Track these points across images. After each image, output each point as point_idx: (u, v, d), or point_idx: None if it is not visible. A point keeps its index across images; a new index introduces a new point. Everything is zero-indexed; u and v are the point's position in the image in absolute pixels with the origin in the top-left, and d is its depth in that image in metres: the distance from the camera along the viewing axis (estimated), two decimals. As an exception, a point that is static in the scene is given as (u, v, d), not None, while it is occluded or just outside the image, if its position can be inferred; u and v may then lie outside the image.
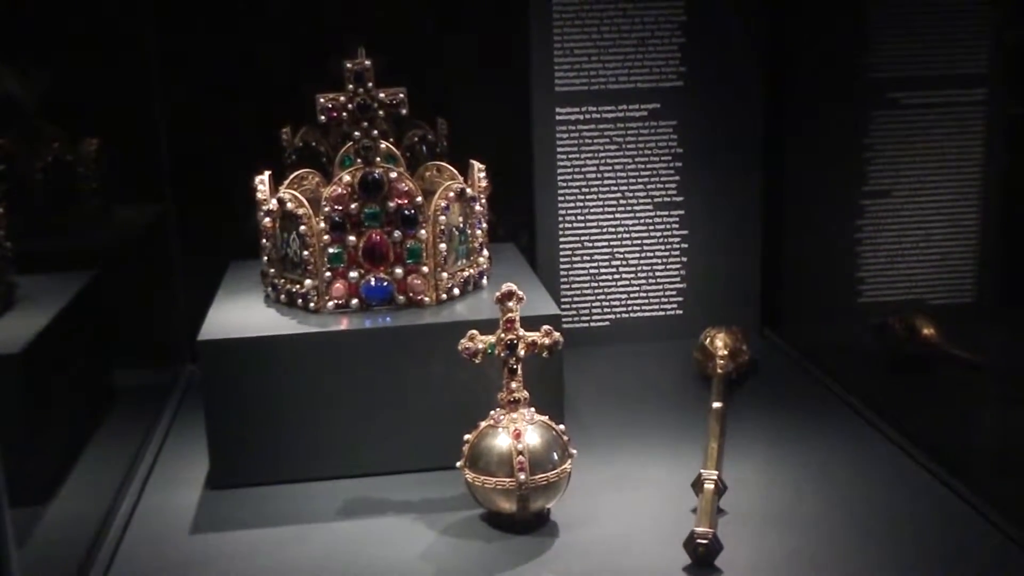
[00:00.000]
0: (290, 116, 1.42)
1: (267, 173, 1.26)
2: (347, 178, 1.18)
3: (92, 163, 1.46)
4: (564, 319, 1.52)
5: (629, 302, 1.59)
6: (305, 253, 1.19)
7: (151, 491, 1.18)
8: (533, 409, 1.06)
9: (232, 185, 1.37)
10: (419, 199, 1.19)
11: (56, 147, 1.44)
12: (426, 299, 1.20)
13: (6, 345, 1.14)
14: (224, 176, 1.45)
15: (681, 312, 1.60)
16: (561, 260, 1.57)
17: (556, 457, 1.04)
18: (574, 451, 1.06)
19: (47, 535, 1.10)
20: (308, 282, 1.20)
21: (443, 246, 1.20)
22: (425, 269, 1.20)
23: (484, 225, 1.28)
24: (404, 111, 1.19)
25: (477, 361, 1.05)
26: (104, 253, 1.45)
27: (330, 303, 1.20)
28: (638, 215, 1.57)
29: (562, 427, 1.07)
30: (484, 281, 1.28)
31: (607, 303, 1.59)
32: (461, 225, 1.24)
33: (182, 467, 1.22)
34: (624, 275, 1.58)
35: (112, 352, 1.46)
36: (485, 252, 1.29)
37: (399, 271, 1.19)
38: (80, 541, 1.07)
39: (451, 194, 1.21)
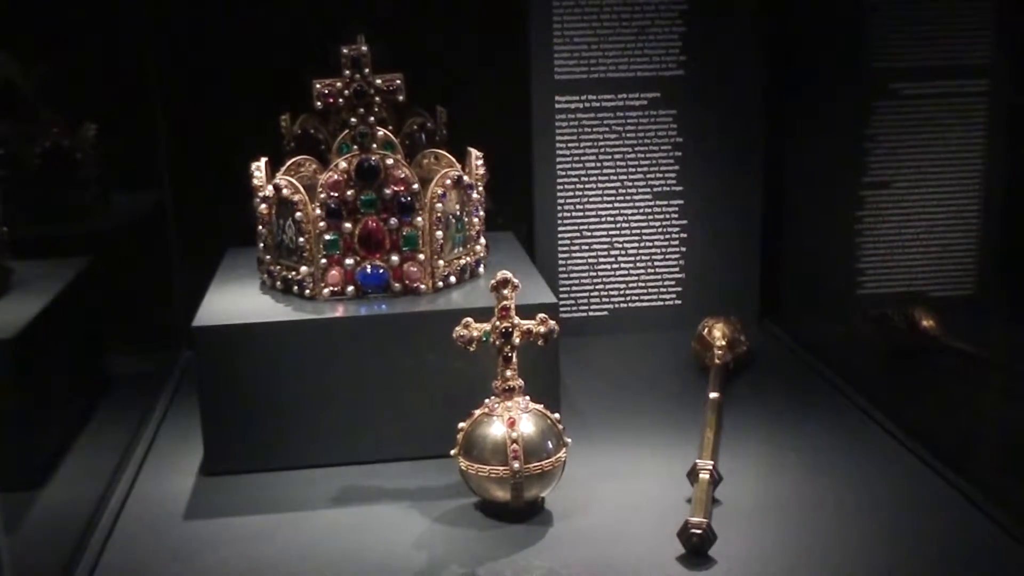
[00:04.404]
0: (289, 103, 1.42)
1: (263, 160, 1.25)
2: (343, 164, 1.18)
3: (91, 149, 1.46)
4: (562, 308, 1.53)
5: (627, 292, 1.59)
6: (301, 240, 1.19)
7: (145, 477, 1.18)
8: (528, 397, 1.06)
9: (230, 172, 1.36)
10: (416, 186, 1.18)
11: (55, 132, 1.43)
12: (422, 287, 1.20)
13: (0, 330, 1.14)
14: (222, 163, 1.44)
15: (679, 302, 1.59)
16: (560, 249, 1.56)
17: (551, 446, 1.04)
18: (569, 440, 1.06)
19: (40, 521, 1.10)
20: (304, 269, 1.19)
21: (440, 234, 1.20)
22: (421, 257, 1.20)
23: (481, 213, 1.28)
24: (401, 97, 1.19)
25: (472, 349, 1.05)
26: (101, 239, 1.45)
27: (325, 290, 1.19)
28: (637, 204, 1.56)
29: (557, 416, 1.06)
30: (481, 269, 1.28)
31: (605, 292, 1.58)
32: (458, 213, 1.24)
33: (177, 453, 1.22)
34: (623, 265, 1.58)
35: (108, 338, 1.46)
36: (482, 240, 1.29)
37: (395, 258, 1.19)
38: (73, 526, 1.07)
39: (448, 181, 1.20)
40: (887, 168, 1.55)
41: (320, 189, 1.18)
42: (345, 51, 1.17)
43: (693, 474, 1.06)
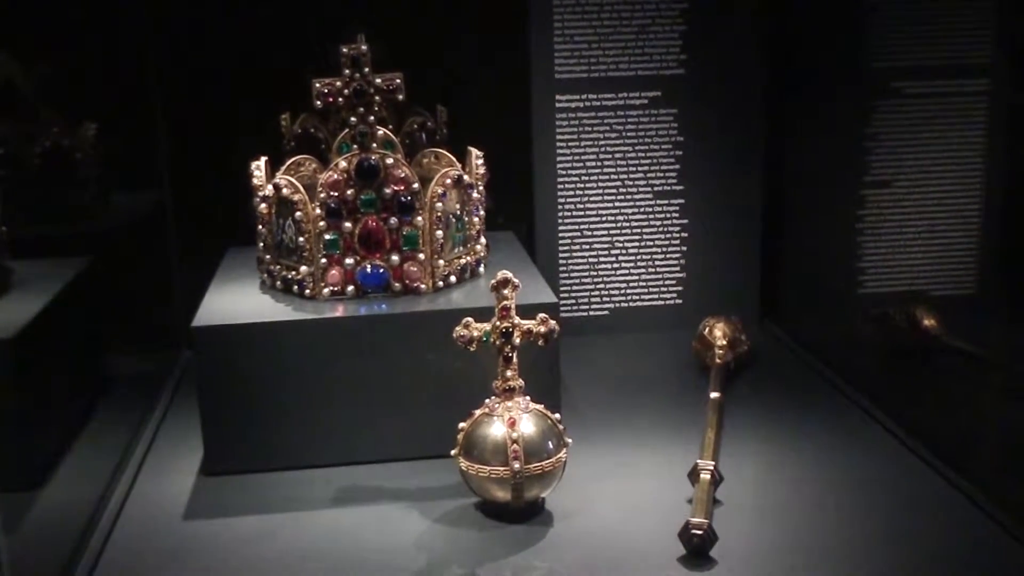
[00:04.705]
0: (289, 103, 1.42)
1: (263, 159, 1.25)
2: (343, 164, 1.18)
3: (90, 148, 1.45)
4: (563, 308, 1.52)
5: (628, 291, 1.58)
6: (301, 239, 1.18)
7: (145, 477, 1.17)
8: (528, 398, 1.05)
9: (230, 172, 1.36)
10: (416, 185, 1.18)
11: (55, 132, 1.43)
12: (422, 286, 1.20)
13: (0, 330, 1.14)
14: (222, 163, 1.44)
15: (680, 302, 1.59)
16: (560, 249, 1.56)
17: (551, 446, 1.03)
18: (569, 440, 1.06)
19: (40, 521, 1.10)
20: (304, 268, 1.19)
21: (440, 233, 1.20)
22: (421, 256, 1.19)
23: (481, 212, 1.28)
24: (401, 97, 1.19)
25: (472, 349, 1.05)
26: (101, 239, 1.45)
27: (325, 290, 1.19)
28: (638, 204, 1.56)
29: (557, 416, 1.06)
30: (481, 269, 1.28)
31: (606, 292, 1.58)
32: (458, 212, 1.23)
33: (177, 453, 1.22)
34: (623, 264, 1.58)
35: (108, 338, 1.45)
36: (482, 240, 1.29)
37: (395, 258, 1.19)
38: (73, 526, 1.06)
39: (448, 181, 1.20)
40: (887, 168, 1.54)
41: (320, 188, 1.18)
42: (345, 50, 1.17)
43: (694, 474, 1.05)
